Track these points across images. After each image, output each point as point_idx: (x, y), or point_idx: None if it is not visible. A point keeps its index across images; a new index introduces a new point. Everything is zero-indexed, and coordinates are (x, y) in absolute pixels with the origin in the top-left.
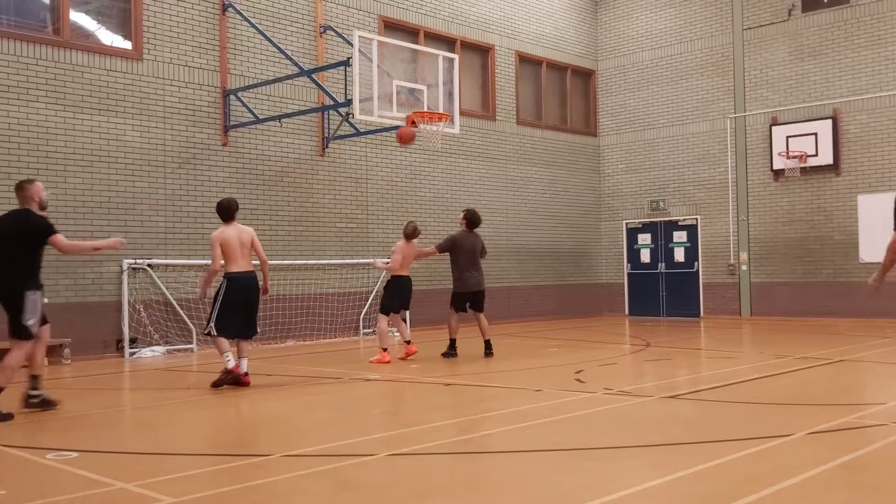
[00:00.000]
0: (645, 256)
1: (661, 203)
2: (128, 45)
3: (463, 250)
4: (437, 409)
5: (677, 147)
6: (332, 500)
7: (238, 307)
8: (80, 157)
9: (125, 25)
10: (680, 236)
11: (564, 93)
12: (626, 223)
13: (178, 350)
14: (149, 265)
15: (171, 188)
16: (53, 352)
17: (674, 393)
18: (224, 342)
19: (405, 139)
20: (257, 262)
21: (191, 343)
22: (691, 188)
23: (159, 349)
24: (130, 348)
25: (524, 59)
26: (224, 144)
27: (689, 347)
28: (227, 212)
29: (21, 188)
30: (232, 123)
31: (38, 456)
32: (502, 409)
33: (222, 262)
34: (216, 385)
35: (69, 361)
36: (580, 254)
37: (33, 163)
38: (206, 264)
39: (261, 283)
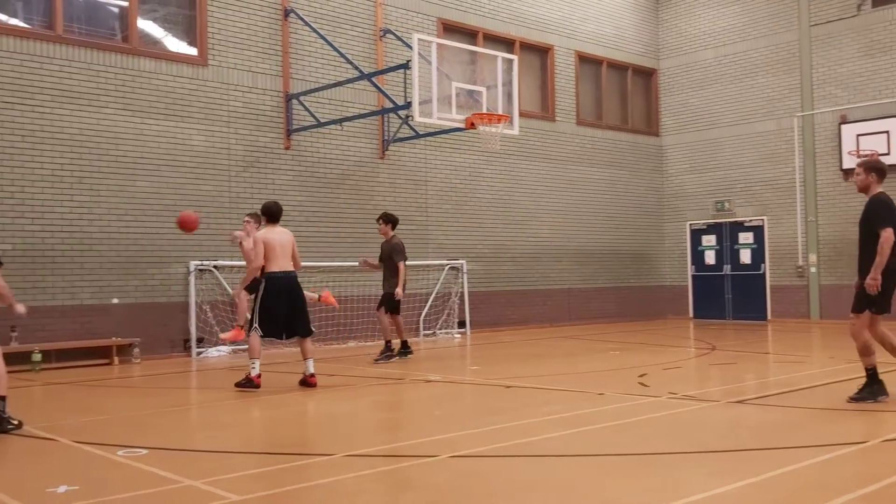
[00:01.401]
0: (710, 258)
1: (727, 203)
2: (193, 51)
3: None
4: (498, 411)
5: (742, 146)
6: (393, 501)
7: (280, 307)
8: (148, 160)
9: (191, 32)
10: (746, 237)
11: (625, 92)
12: (690, 224)
13: (242, 350)
14: (214, 266)
15: (236, 191)
16: (123, 351)
17: (740, 398)
18: (256, 347)
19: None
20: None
21: None
22: (757, 188)
23: (224, 349)
24: (197, 348)
25: (584, 59)
26: (286, 148)
27: (756, 351)
28: (274, 215)
29: None
30: (294, 127)
31: (110, 452)
32: (563, 413)
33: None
34: (238, 385)
35: (139, 360)
36: (642, 256)
37: (104, 167)
38: None
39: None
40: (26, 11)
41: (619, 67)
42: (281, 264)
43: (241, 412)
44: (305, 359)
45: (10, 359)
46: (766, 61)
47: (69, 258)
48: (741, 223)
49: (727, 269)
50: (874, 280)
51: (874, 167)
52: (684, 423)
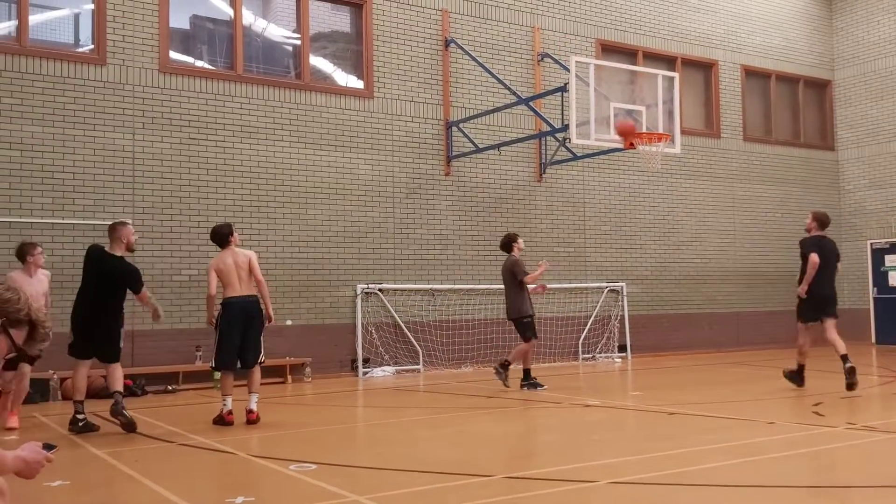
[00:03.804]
0: (894, 279)
1: None
2: (360, 84)
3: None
4: (660, 438)
5: None
6: None
7: (234, 334)
8: (319, 190)
9: (358, 66)
10: None
11: (796, 106)
12: (871, 243)
13: (407, 370)
14: (380, 289)
15: (399, 217)
16: (296, 370)
17: None
18: (228, 383)
19: (624, 132)
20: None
21: (418, 364)
22: None
23: (389, 369)
24: (363, 368)
25: (750, 73)
26: (447, 174)
27: None
28: (220, 238)
29: (111, 229)
30: (454, 154)
31: (283, 466)
32: (730, 441)
33: (216, 290)
34: (215, 422)
35: (310, 379)
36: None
37: (279, 196)
38: (430, 288)
39: (264, 309)
40: (210, 54)
41: (789, 80)
42: (237, 289)
43: (403, 430)
44: (250, 392)
45: (196, 376)
46: None
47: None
48: None
49: None
50: None
51: None
52: (865, 455)
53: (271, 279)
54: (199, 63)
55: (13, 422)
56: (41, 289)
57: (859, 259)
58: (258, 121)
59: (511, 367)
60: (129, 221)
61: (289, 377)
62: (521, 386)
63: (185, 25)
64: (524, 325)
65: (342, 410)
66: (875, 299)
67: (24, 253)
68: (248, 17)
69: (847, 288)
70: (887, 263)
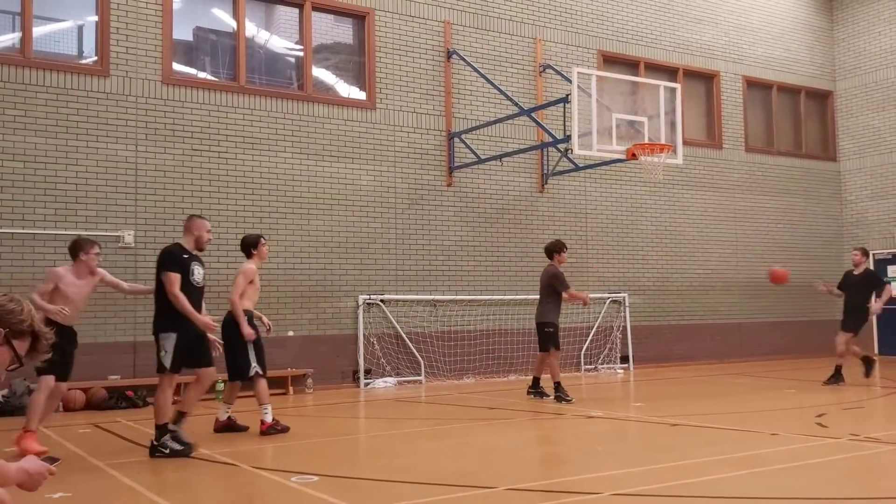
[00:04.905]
0: None
1: None
2: (363, 95)
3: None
4: (663, 449)
5: None
6: None
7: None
8: (322, 200)
9: (360, 78)
10: None
11: (798, 117)
12: (874, 254)
13: (408, 381)
14: (382, 300)
15: (401, 228)
16: (297, 381)
17: None
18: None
19: (778, 279)
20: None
21: (420, 375)
22: None
23: (391, 380)
24: (365, 379)
25: (752, 84)
26: (448, 185)
27: None
28: (248, 247)
29: (187, 219)
30: (456, 164)
31: (284, 478)
32: (733, 453)
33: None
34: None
35: (311, 390)
36: None
37: (281, 207)
38: (432, 299)
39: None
40: (213, 66)
41: (790, 91)
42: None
43: (405, 442)
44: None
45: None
46: None
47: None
48: None
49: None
50: None
51: None
52: (868, 467)
53: (273, 289)
54: (202, 75)
55: (35, 445)
56: (88, 292)
57: None
58: (261, 132)
59: (556, 382)
60: (205, 217)
61: (290, 388)
62: (528, 393)
63: (189, 37)
64: (545, 335)
65: (344, 422)
66: None
67: (77, 249)
68: (251, 29)
69: None
70: (890, 274)
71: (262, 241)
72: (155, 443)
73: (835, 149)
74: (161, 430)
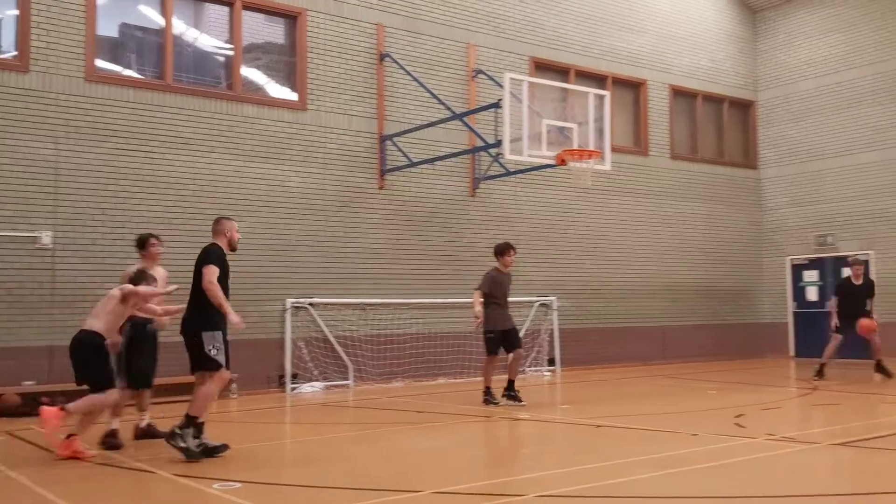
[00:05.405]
0: (812, 294)
1: (829, 238)
2: (294, 96)
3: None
4: (588, 451)
5: (846, 178)
6: None
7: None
8: (249, 202)
9: (291, 78)
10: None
11: (721, 125)
12: (791, 259)
13: (336, 386)
14: (310, 304)
15: (331, 230)
16: None
17: (844, 440)
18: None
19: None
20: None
21: (347, 379)
22: (863, 222)
23: (318, 385)
24: (291, 384)
25: (678, 93)
26: (380, 188)
27: (863, 392)
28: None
29: (215, 222)
30: (387, 167)
31: (206, 485)
32: (655, 454)
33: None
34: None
35: (236, 395)
36: (740, 292)
37: (208, 208)
38: (361, 303)
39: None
40: (139, 63)
41: (714, 100)
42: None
43: (332, 447)
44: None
45: None
46: (871, 90)
47: (175, 296)
48: (845, 258)
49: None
50: None
51: None
52: (782, 466)
53: None
54: (128, 72)
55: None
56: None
57: (779, 275)
58: (188, 132)
59: (486, 386)
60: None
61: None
62: (503, 396)
63: (115, 34)
64: (485, 340)
65: (269, 427)
66: (794, 313)
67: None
68: (179, 27)
69: (767, 302)
70: (806, 279)
71: (153, 240)
72: (178, 431)
73: (756, 157)
74: (190, 421)
